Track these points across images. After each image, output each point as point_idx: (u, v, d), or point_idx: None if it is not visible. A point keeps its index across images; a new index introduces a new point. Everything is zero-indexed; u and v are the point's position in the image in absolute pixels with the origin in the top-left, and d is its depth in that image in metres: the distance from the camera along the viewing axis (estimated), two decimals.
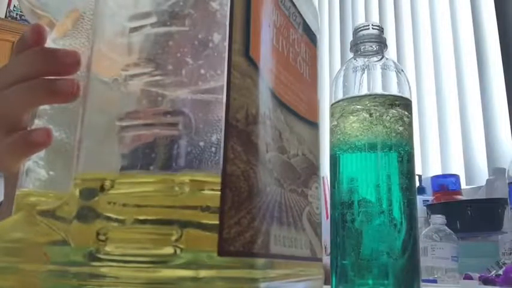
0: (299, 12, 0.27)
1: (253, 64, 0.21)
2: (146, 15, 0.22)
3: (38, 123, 0.28)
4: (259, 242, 0.19)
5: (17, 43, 0.31)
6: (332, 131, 0.43)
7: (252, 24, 0.22)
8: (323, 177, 1.51)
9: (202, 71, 0.22)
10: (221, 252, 0.18)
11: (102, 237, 0.20)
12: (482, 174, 1.33)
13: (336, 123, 0.43)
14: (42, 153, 0.27)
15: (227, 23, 0.21)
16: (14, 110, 0.28)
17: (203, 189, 0.20)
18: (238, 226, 0.19)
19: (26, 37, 0.29)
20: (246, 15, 0.21)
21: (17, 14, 2.92)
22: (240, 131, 0.20)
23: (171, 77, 0.21)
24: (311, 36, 0.29)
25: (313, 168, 0.27)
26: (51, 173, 0.25)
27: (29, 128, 0.28)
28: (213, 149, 0.20)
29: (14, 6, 2.94)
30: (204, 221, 0.19)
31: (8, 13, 2.92)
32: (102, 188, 0.21)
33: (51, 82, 0.26)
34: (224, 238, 0.18)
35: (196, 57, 0.22)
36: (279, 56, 0.24)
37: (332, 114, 0.44)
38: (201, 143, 0.20)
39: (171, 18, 0.22)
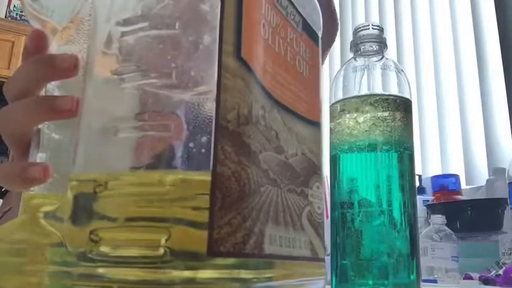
0: (298, 11, 0.27)
1: (246, 65, 0.21)
2: (138, 19, 0.23)
3: (41, 127, 0.28)
4: (251, 242, 0.19)
5: (22, 51, 0.31)
6: (332, 131, 0.43)
7: (244, 25, 0.22)
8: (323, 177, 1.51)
9: (193, 73, 0.22)
10: (211, 253, 0.18)
11: (95, 238, 0.20)
12: (482, 174, 1.33)
13: (335, 123, 0.43)
14: (46, 155, 0.27)
15: (217, 25, 0.21)
16: (17, 128, 0.29)
17: (194, 191, 0.20)
18: (228, 226, 0.19)
19: (27, 45, 0.30)
20: (238, 17, 0.21)
21: (17, 14, 2.92)
22: (231, 131, 0.20)
23: (162, 80, 0.21)
24: (312, 35, 0.29)
25: (314, 168, 0.27)
26: (55, 175, 0.26)
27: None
28: (204, 150, 0.20)
29: (14, 6, 2.94)
30: (195, 222, 0.19)
31: (8, 13, 2.92)
32: (95, 190, 0.21)
33: (51, 100, 0.27)
34: (214, 239, 0.18)
35: (187, 59, 0.22)
36: (275, 56, 0.24)
37: (332, 114, 0.44)
38: (192, 144, 0.20)
39: (161, 21, 0.22)
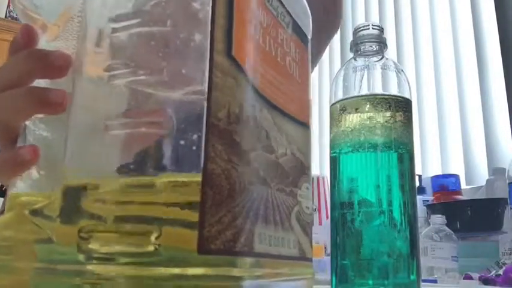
0: (288, 12, 0.27)
1: (236, 63, 0.21)
2: (129, 16, 0.23)
3: (28, 124, 0.27)
4: (241, 240, 0.19)
5: (10, 45, 0.31)
6: (332, 131, 0.43)
7: (235, 24, 0.22)
8: (323, 177, 1.51)
9: (184, 71, 0.22)
10: (201, 251, 0.18)
11: (84, 236, 0.20)
12: (482, 174, 1.33)
13: (335, 123, 0.43)
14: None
15: (209, 23, 0.21)
16: (5, 118, 0.28)
17: (184, 188, 0.20)
18: (219, 224, 0.19)
19: (17, 39, 0.30)
20: (229, 15, 0.22)
21: (17, 14, 2.92)
22: (222, 130, 0.20)
23: (152, 77, 0.22)
24: (301, 37, 0.29)
25: (303, 168, 0.27)
26: (41, 172, 0.26)
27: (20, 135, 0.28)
28: (195, 147, 0.20)
29: None
30: (185, 220, 0.19)
31: (8, 13, 2.92)
32: (85, 187, 0.21)
33: (42, 92, 0.26)
34: (205, 236, 0.18)
35: (178, 57, 0.22)
36: (266, 55, 0.24)
37: (332, 114, 0.44)
38: (183, 142, 0.21)
39: (153, 18, 0.22)
